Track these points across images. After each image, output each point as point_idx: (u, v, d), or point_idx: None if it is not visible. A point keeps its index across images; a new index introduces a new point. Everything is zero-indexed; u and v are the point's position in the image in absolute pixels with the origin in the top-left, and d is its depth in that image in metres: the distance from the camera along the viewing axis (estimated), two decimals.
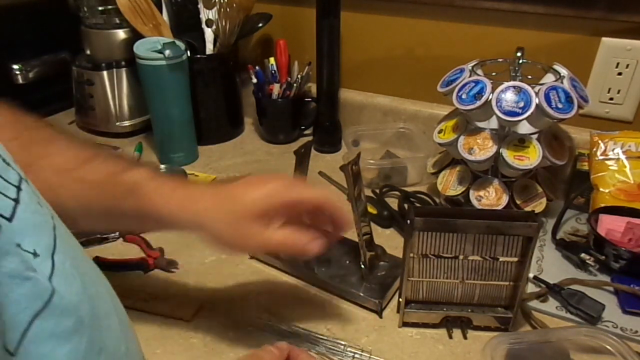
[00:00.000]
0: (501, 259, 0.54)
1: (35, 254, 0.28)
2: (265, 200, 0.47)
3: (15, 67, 1.00)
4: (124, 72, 0.99)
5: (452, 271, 0.55)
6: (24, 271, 0.27)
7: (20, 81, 1.01)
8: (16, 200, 0.27)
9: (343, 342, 0.55)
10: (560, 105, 0.65)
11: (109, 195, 0.48)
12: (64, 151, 0.49)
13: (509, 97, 0.66)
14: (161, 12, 0.93)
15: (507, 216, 0.53)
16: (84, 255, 0.35)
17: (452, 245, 0.54)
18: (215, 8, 0.93)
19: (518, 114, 0.65)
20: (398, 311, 0.58)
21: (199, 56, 0.94)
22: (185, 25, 0.95)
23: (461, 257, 0.54)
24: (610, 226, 0.67)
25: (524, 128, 0.70)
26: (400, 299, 0.57)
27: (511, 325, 0.57)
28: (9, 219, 0.26)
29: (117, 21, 0.96)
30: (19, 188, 0.28)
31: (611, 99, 0.82)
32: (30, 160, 0.46)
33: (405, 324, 0.58)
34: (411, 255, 0.55)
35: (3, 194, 0.27)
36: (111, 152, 0.51)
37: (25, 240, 0.27)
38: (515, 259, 0.54)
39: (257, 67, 0.98)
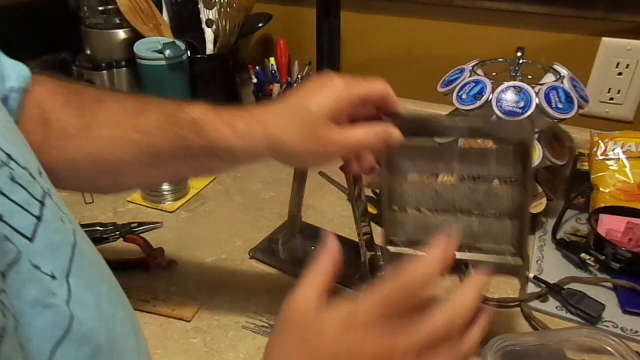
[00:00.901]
0: (495, 182, 0.46)
1: (53, 277, 0.26)
2: (333, 102, 0.44)
3: None
4: (124, 72, 0.98)
5: (442, 200, 0.48)
6: (45, 298, 0.25)
7: None
8: (39, 218, 0.26)
9: None
10: (560, 105, 0.65)
11: (172, 137, 0.45)
12: (116, 106, 0.48)
13: (509, 97, 0.66)
14: (161, 12, 0.93)
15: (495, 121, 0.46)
16: (101, 271, 0.34)
17: (434, 161, 0.46)
18: (215, 8, 0.93)
19: (518, 114, 0.65)
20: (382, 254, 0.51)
21: (199, 56, 0.94)
22: (185, 25, 0.95)
23: (447, 177, 0.47)
24: (611, 226, 0.67)
25: None
26: (384, 240, 0.50)
27: (521, 276, 0.49)
28: (30, 239, 0.25)
29: (117, 21, 0.96)
30: (42, 204, 0.27)
31: (611, 98, 0.82)
32: (85, 122, 0.46)
33: None
34: (387, 174, 0.48)
35: (26, 210, 0.26)
36: (161, 98, 0.50)
37: (43, 261, 0.26)
38: (512, 178, 0.46)
39: (257, 67, 0.98)
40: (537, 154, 0.68)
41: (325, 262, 0.37)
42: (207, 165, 0.48)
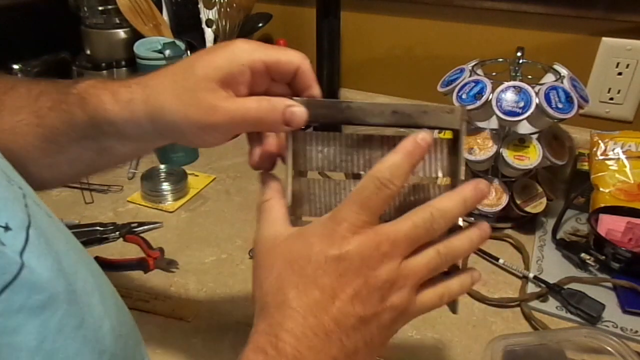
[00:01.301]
0: (425, 181, 0.38)
1: (6, 228, 0.27)
2: (226, 64, 0.37)
3: (15, 67, 1.00)
4: (124, 72, 0.99)
5: None
6: None
7: None
8: None
9: None
10: (560, 105, 0.65)
11: (61, 115, 0.41)
12: (23, 91, 0.44)
13: (509, 97, 0.66)
14: (161, 12, 0.93)
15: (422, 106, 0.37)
16: (65, 237, 0.34)
17: (350, 156, 0.38)
18: (215, 8, 0.93)
19: (518, 114, 0.65)
20: None
21: None
22: (185, 25, 0.95)
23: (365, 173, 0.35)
24: (611, 226, 0.67)
25: (524, 128, 0.70)
26: None
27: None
28: None
29: (117, 21, 0.96)
30: None
31: (611, 98, 0.82)
32: None
33: None
34: (292, 174, 0.39)
35: None
36: (64, 80, 0.45)
37: None
38: (445, 181, 0.38)
39: None
40: (537, 154, 0.68)
41: (274, 194, 0.38)
42: (103, 146, 0.43)
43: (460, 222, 0.38)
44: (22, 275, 0.27)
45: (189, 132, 0.39)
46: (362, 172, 0.39)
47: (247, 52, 0.38)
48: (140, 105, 0.39)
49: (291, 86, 0.41)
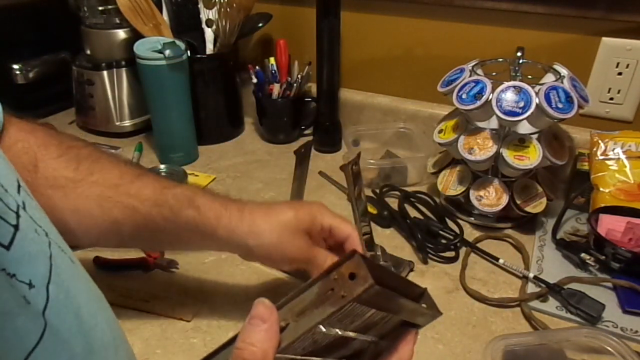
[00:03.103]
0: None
1: (30, 285, 0.26)
2: (310, 218, 0.51)
3: (15, 67, 1.00)
4: (124, 72, 0.99)
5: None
6: (16, 307, 0.25)
7: (20, 81, 1.01)
8: (16, 227, 0.26)
9: None
10: (560, 105, 0.65)
11: (165, 208, 0.48)
12: (113, 168, 0.50)
13: (509, 97, 0.66)
14: (161, 12, 0.93)
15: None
16: (86, 285, 0.34)
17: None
18: (215, 8, 0.93)
19: (518, 114, 0.65)
20: None
21: (199, 56, 0.94)
22: (185, 25, 0.95)
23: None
24: (611, 226, 0.67)
25: (524, 128, 0.70)
26: None
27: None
28: (7, 247, 0.25)
29: (117, 21, 0.96)
30: (17, 214, 0.27)
31: (611, 98, 0.82)
32: (79, 177, 0.47)
33: None
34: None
35: (3, 219, 0.25)
36: (155, 171, 0.53)
37: (20, 270, 0.26)
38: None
39: (257, 67, 0.98)
40: (537, 154, 0.68)
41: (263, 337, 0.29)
42: (188, 242, 0.52)
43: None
44: (45, 337, 0.27)
45: (277, 256, 0.52)
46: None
47: (320, 215, 0.52)
48: (246, 227, 0.50)
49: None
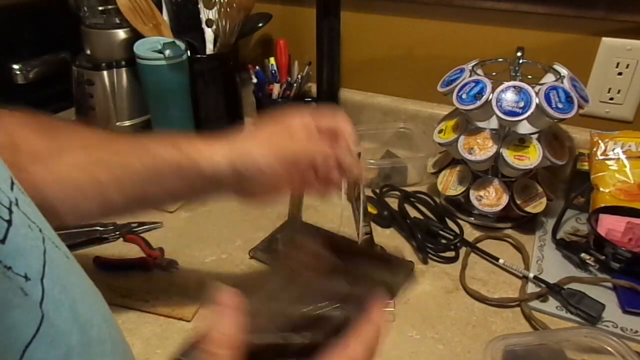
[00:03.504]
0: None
1: (26, 278, 0.27)
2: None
3: (15, 67, 1.00)
4: (124, 72, 0.98)
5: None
6: (14, 297, 0.26)
7: (20, 81, 1.01)
8: (9, 222, 0.26)
9: None
10: (560, 105, 0.65)
11: (145, 154, 0.48)
12: (90, 133, 0.51)
13: (509, 97, 0.66)
14: (161, 12, 0.93)
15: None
16: (81, 280, 0.34)
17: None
18: (215, 8, 0.93)
19: (518, 114, 0.65)
20: None
21: (199, 56, 0.94)
22: (185, 25, 0.95)
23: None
24: (611, 226, 0.67)
25: (524, 128, 0.70)
26: None
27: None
28: (2, 241, 0.25)
29: (117, 21, 0.96)
30: (10, 210, 0.27)
31: (611, 98, 0.82)
32: (57, 145, 0.47)
33: None
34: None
35: None
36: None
37: (16, 263, 0.26)
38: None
39: (257, 67, 0.98)
40: (537, 154, 0.68)
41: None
42: (176, 188, 0.50)
43: None
44: (42, 328, 0.27)
45: (277, 159, 0.50)
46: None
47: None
48: (227, 150, 0.50)
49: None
